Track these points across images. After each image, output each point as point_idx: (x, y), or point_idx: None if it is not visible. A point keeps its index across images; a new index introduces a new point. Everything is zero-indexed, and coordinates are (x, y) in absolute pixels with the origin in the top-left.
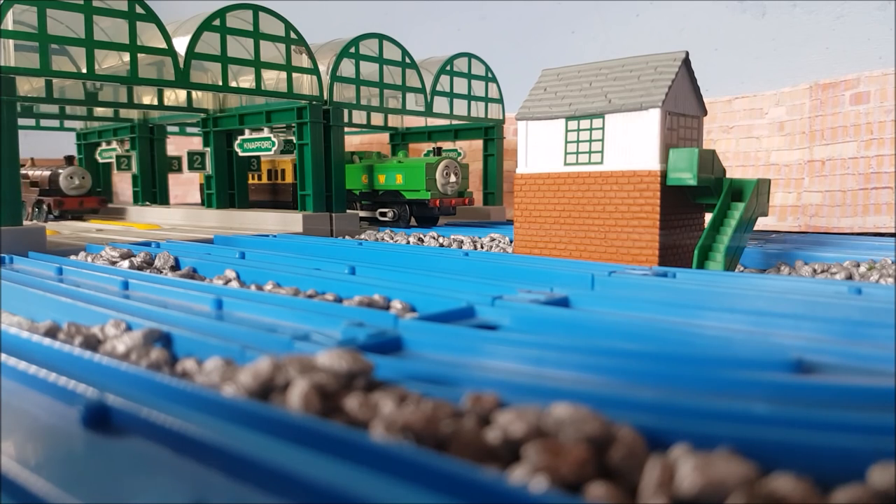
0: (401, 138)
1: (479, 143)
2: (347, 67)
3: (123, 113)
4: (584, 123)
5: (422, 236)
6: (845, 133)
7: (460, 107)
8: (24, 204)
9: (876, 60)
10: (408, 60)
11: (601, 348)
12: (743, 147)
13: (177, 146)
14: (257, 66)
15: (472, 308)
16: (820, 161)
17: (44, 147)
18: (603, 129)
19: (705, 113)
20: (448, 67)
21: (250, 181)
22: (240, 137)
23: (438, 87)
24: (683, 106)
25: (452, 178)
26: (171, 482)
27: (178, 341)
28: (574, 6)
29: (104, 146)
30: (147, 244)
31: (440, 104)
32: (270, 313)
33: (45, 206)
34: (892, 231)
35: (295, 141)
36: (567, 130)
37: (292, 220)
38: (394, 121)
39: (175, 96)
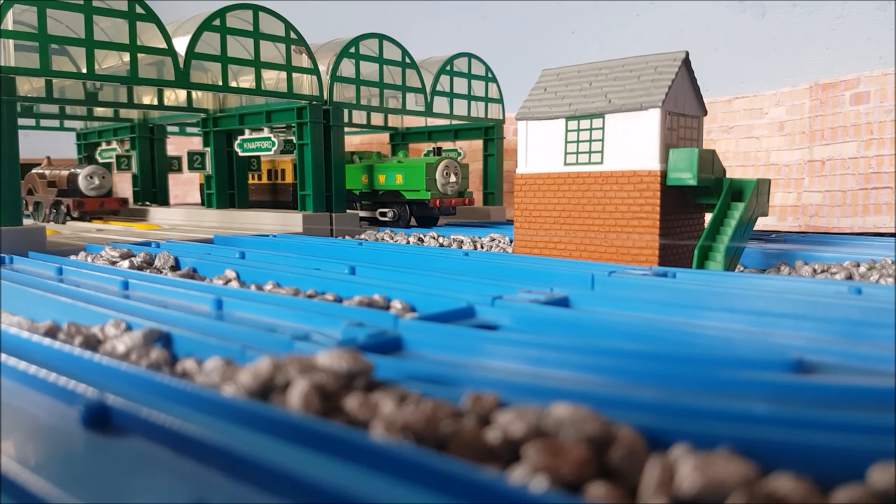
0: (401, 138)
1: (479, 143)
2: (347, 67)
3: (123, 113)
4: (584, 123)
5: (422, 236)
6: (845, 133)
7: (460, 107)
8: (40, 205)
9: (876, 60)
10: (408, 60)
11: (601, 348)
12: (743, 147)
13: (177, 146)
14: (257, 66)
15: (472, 308)
16: (820, 161)
17: (44, 147)
18: (603, 129)
19: (705, 113)
20: (448, 67)
21: (250, 181)
22: (240, 137)
23: (438, 87)
24: (683, 106)
25: (452, 178)
26: (171, 482)
27: (178, 341)
28: (574, 6)
29: (104, 146)
30: (147, 244)
31: (440, 104)
32: (270, 313)
33: (63, 207)
34: (892, 231)
35: (295, 141)
36: (567, 130)
37: (292, 220)
38: (394, 121)
39: (175, 96)
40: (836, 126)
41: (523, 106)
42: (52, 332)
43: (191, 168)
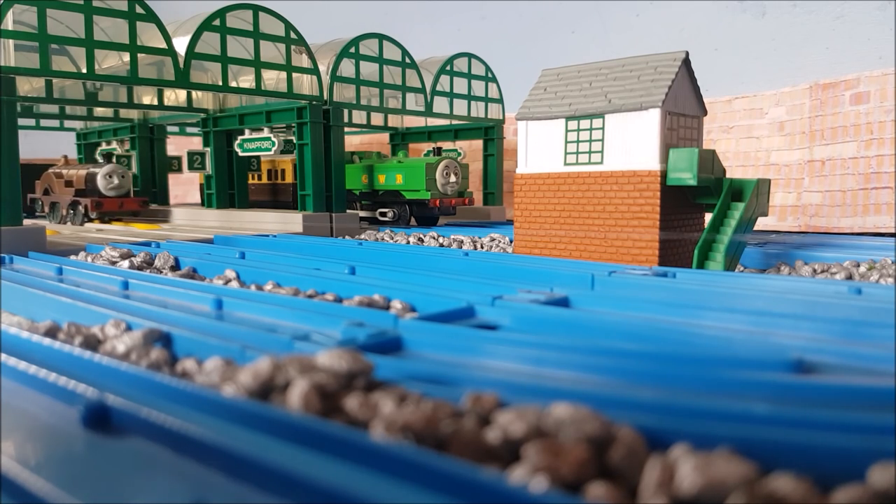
0: (401, 138)
1: (479, 143)
2: (347, 67)
3: (123, 113)
4: (584, 123)
5: (422, 236)
6: (845, 133)
7: (460, 107)
8: (57, 205)
9: (876, 60)
10: (408, 60)
11: (601, 348)
12: (743, 147)
13: (177, 146)
14: (257, 66)
15: (472, 308)
16: (820, 161)
17: (44, 147)
18: (603, 129)
19: (705, 113)
20: (448, 67)
21: (250, 181)
22: (240, 137)
23: (438, 87)
24: (683, 106)
25: (452, 178)
26: (171, 482)
27: (178, 341)
28: (574, 6)
29: (104, 146)
30: (147, 244)
31: (440, 104)
32: (270, 313)
33: (80, 208)
34: (892, 231)
35: (295, 141)
36: (567, 130)
37: (292, 220)
38: (394, 121)
39: (175, 96)
40: (836, 126)
41: (523, 106)
42: (52, 332)
43: (191, 168)
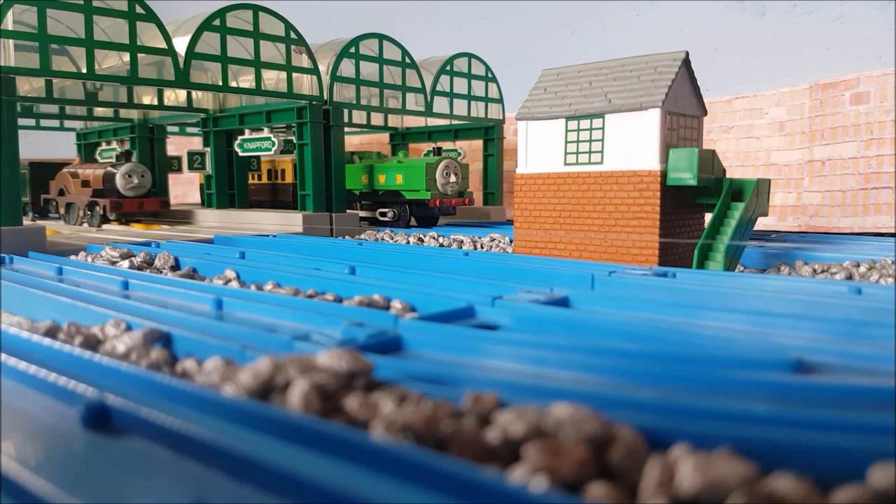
0: (401, 138)
1: (479, 143)
2: (347, 67)
3: (123, 113)
4: (584, 123)
5: (422, 236)
6: (845, 133)
7: (460, 107)
8: (73, 206)
9: (876, 60)
10: (408, 60)
11: (601, 348)
12: (743, 147)
13: (177, 146)
14: (257, 66)
15: (472, 308)
16: (820, 161)
17: (44, 147)
18: (603, 129)
19: (705, 113)
20: (448, 67)
21: (250, 181)
22: (240, 137)
23: (438, 87)
24: (683, 106)
25: (452, 178)
26: (171, 482)
27: (178, 341)
28: (574, 6)
29: (104, 146)
30: (147, 244)
31: (440, 104)
32: (270, 313)
33: (98, 209)
34: (892, 231)
35: (295, 141)
36: (567, 130)
37: (292, 220)
38: (394, 121)
39: (175, 96)
40: (836, 126)
41: (523, 106)
42: (52, 332)
43: (191, 168)
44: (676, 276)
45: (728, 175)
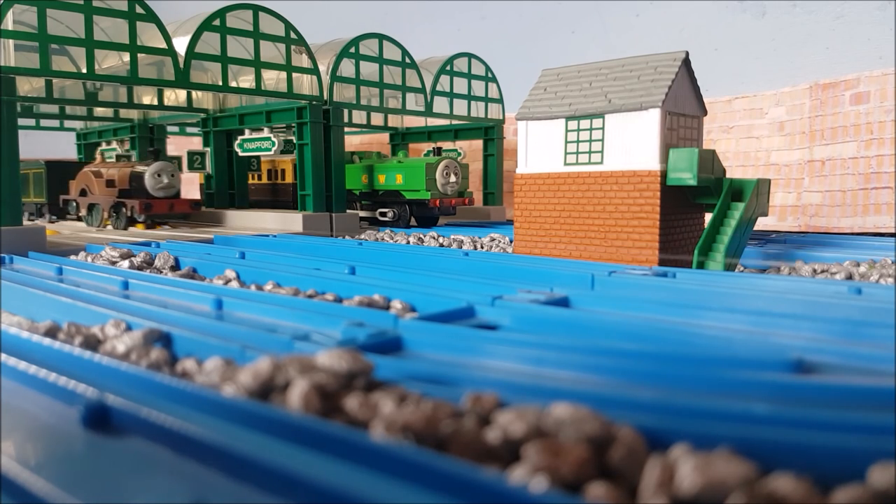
0: (401, 138)
1: (479, 143)
2: (347, 67)
3: (123, 113)
4: (584, 123)
5: (422, 236)
6: (845, 133)
7: (460, 107)
8: (96, 207)
9: (876, 60)
10: (408, 60)
11: (601, 348)
12: (743, 147)
13: (177, 146)
14: (257, 66)
15: (472, 308)
16: (820, 161)
17: (44, 147)
18: (603, 129)
19: (705, 113)
20: (448, 67)
21: (250, 181)
22: (240, 137)
23: (438, 87)
24: (683, 106)
25: (452, 178)
26: (171, 482)
27: (178, 341)
28: (574, 6)
29: (104, 146)
30: (147, 244)
31: (440, 104)
32: (270, 313)
33: (125, 210)
34: (892, 231)
35: (295, 141)
36: (567, 130)
37: (292, 220)
38: (394, 121)
39: (175, 96)
40: (836, 126)
41: (523, 106)
42: (52, 332)
43: (191, 168)
44: (676, 276)
45: (728, 175)
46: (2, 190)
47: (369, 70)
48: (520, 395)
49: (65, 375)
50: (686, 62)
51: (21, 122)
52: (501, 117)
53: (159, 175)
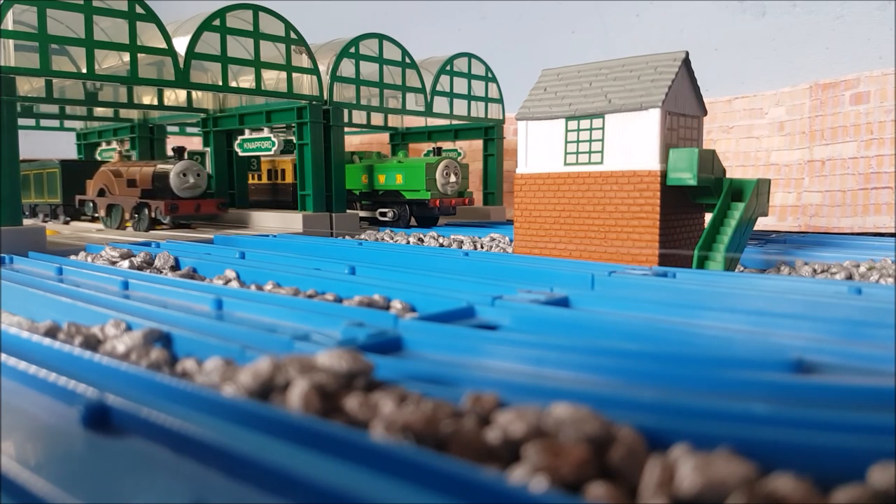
0: (401, 138)
1: (479, 143)
2: (347, 67)
3: (123, 113)
4: (584, 123)
5: (422, 236)
6: (845, 133)
7: (460, 107)
8: (116, 208)
9: (876, 60)
10: (408, 60)
11: (601, 348)
12: (743, 147)
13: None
14: (257, 66)
15: (472, 308)
16: (820, 161)
17: (44, 147)
18: (603, 129)
19: (705, 113)
20: (448, 67)
21: (250, 181)
22: (240, 137)
23: (438, 87)
24: (683, 106)
25: (452, 178)
26: (171, 482)
27: (178, 341)
28: (574, 6)
29: (104, 146)
30: (147, 244)
31: (440, 104)
32: (270, 313)
33: (148, 212)
34: (892, 231)
35: (295, 141)
36: (567, 130)
37: (292, 220)
38: (394, 121)
39: (175, 96)
40: (836, 126)
41: (523, 106)
42: (52, 332)
43: None
44: (676, 276)
45: (728, 175)
46: (2, 190)
47: (369, 70)
48: (520, 395)
49: (65, 375)
50: (686, 62)
51: (21, 122)
52: (501, 117)
53: (185, 174)
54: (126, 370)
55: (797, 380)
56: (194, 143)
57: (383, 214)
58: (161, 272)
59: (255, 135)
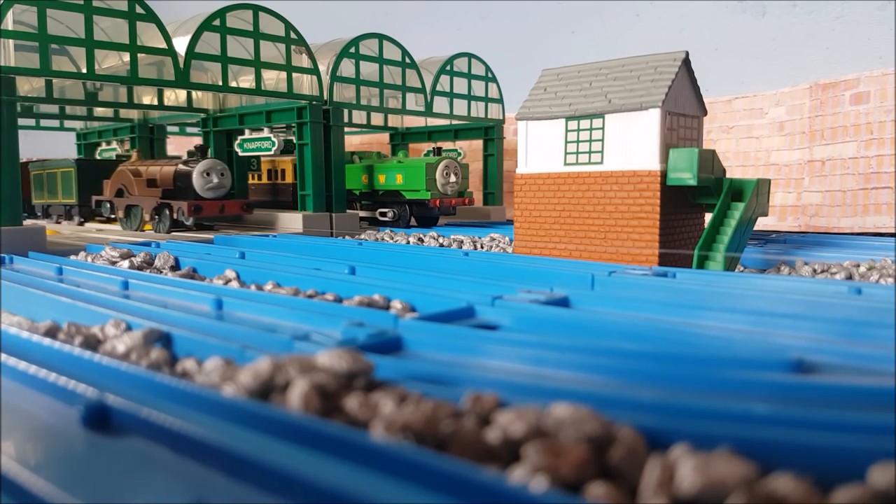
0: (401, 138)
1: (479, 143)
2: (347, 67)
3: (123, 113)
4: (584, 123)
5: (422, 236)
6: (845, 133)
7: (460, 107)
8: (135, 209)
9: (876, 60)
10: (408, 60)
11: (601, 348)
12: (743, 147)
13: (177, 146)
14: (257, 66)
15: (472, 308)
16: (820, 161)
17: (44, 147)
18: (603, 129)
19: (705, 113)
20: (448, 67)
21: (250, 181)
22: (240, 137)
23: (438, 87)
24: (683, 106)
25: (452, 178)
26: (171, 482)
27: (178, 341)
28: (574, 6)
29: (104, 146)
30: (147, 244)
31: (440, 104)
32: (270, 313)
33: (169, 213)
34: (892, 231)
35: (295, 141)
36: (567, 130)
37: (292, 220)
38: (394, 121)
39: (175, 96)
40: (836, 126)
41: (523, 106)
42: (52, 332)
43: None
44: (676, 276)
45: (728, 175)
46: (2, 190)
47: (369, 70)
48: (520, 395)
49: (65, 375)
50: (686, 62)
51: (21, 122)
52: (501, 117)
53: (208, 174)
54: (126, 370)
55: (797, 380)
56: (194, 143)
57: (383, 214)
58: (161, 272)
59: (255, 135)
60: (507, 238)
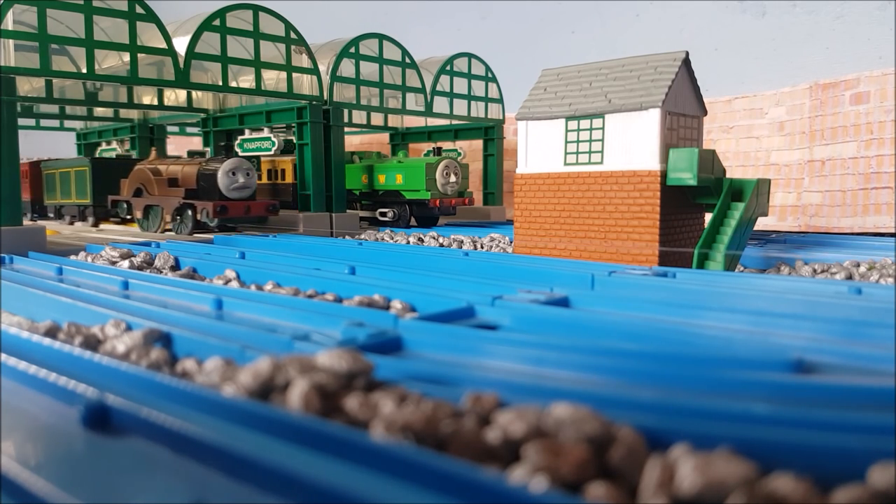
0: (401, 138)
1: (479, 143)
2: (347, 67)
3: (123, 113)
4: (584, 123)
5: (422, 236)
6: (845, 133)
7: (460, 107)
8: (154, 209)
9: (876, 60)
10: (408, 60)
11: (601, 348)
12: (743, 147)
13: (177, 146)
14: (257, 66)
15: (472, 308)
16: (820, 161)
17: (44, 147)
18: (603, 129)
19: (705, 113)
20: (448, 67)
21: None
22: (240, 137)
23: (438, 87)
24: (683, 106)
25: (452, 178)
26: (171, 482)
27: (178, 341)
28: (574, 6)
29: (104, 146)
30: (147, 244)
31: (440, 104)
32: (270, 313)
33: (192, 214)
34: (892, 231)
35: (295, 141)
36: (567, 130)
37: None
38: (394, 121)
39: (175, 96)
40: (836, 126)
41: (523, 106)
42: (52, 332)
43: None
44: (676, 276)
45: (728, 175)
46: (2, 190)
47: (369, 70)
48: (520, 395)
49: (65, 375)
50: (686, 62)
51: (21, 122)
52: (501, 117)
53: (234, 173)
54: (126, 370)
55: (797, 380)
56: (194, 143)
57: (383, 214)
58: (161, 272)
59: (255, 135)
60: (507, 238)
